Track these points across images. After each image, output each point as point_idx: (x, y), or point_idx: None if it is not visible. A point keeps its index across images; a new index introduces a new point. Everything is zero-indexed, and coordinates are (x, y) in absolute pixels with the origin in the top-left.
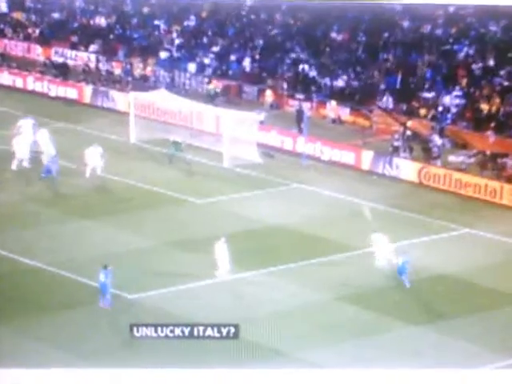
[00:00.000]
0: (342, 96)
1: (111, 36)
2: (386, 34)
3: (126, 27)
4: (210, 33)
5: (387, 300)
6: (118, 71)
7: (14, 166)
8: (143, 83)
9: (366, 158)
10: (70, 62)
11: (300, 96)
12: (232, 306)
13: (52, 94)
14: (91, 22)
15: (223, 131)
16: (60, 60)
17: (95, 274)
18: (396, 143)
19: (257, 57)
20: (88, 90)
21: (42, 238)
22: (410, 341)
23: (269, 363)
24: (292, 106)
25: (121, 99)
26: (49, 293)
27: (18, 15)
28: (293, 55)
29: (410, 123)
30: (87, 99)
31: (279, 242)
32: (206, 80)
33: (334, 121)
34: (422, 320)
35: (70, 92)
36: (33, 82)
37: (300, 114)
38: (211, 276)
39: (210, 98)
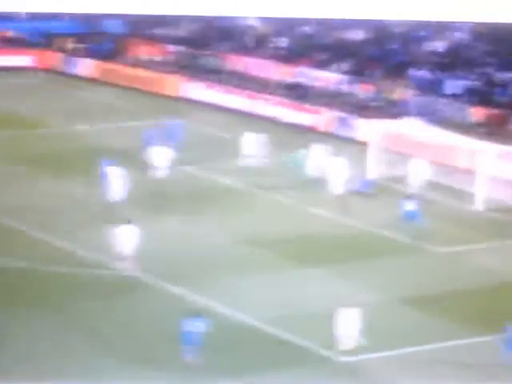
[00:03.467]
0: None
1: (364, 53)
2: None
3: (383, 42)
4: (478, 51)
5: None
6: (362, 95)
7: None
8: (391, 109)
9: None
10: (310, 83)
11: None
12: None
13: (285, 119)
14: (344, 37)
15: (479, 168)
16: (300, 80)
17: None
18: None
19: None
20: (326, 115)
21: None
22: None
23: None
24: None
25: (362, 128)
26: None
27: (262, 28)
28: None
29: None
30: (324, 127)
31: None
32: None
33: None
34: None
35: (305, 118)
36: (263, 106)
37: None
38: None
39: None
